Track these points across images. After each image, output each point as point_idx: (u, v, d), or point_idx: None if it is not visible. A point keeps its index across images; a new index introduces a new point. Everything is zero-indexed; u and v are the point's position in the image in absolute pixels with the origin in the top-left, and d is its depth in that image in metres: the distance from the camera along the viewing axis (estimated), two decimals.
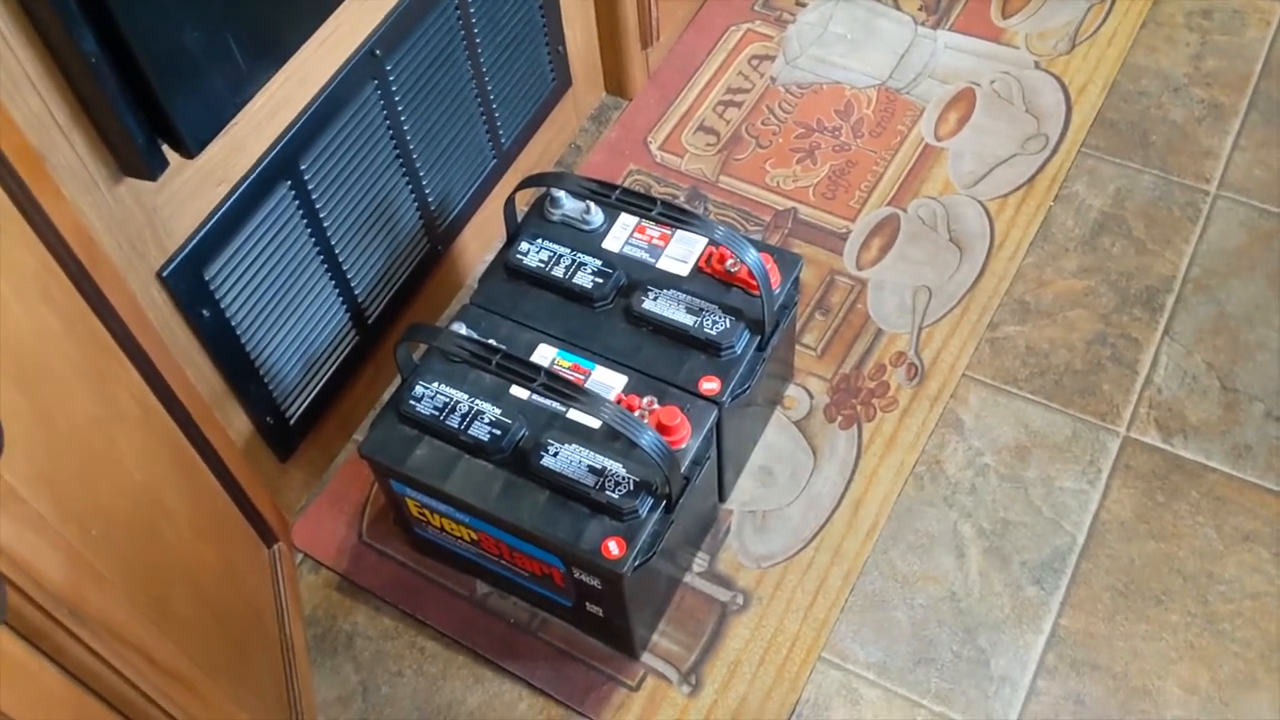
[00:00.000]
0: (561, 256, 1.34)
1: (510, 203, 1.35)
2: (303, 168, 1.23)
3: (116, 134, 0.98)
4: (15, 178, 0.85)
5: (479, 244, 1.61)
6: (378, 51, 1.27)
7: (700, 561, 1.39)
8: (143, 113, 0.98)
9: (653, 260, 1.34)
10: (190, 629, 0.98)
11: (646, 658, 1.33)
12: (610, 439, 1.20)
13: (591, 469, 1.18)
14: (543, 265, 1.33)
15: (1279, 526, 1.36)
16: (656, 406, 1.23)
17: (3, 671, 0.64)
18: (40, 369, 0.81)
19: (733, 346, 1.27)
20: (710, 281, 1.32)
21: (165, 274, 1.10)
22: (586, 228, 1.37)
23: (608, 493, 1.17)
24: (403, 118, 1.34)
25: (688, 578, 1.38)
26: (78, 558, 0.76)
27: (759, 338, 1.29)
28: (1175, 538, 1.37)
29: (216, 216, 1.14)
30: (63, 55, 0.92)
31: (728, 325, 1.27)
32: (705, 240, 1.33)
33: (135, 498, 0.92)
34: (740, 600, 1.36)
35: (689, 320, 1.28)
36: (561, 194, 1.36)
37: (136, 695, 0.81)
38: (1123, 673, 1.29)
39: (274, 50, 1.10)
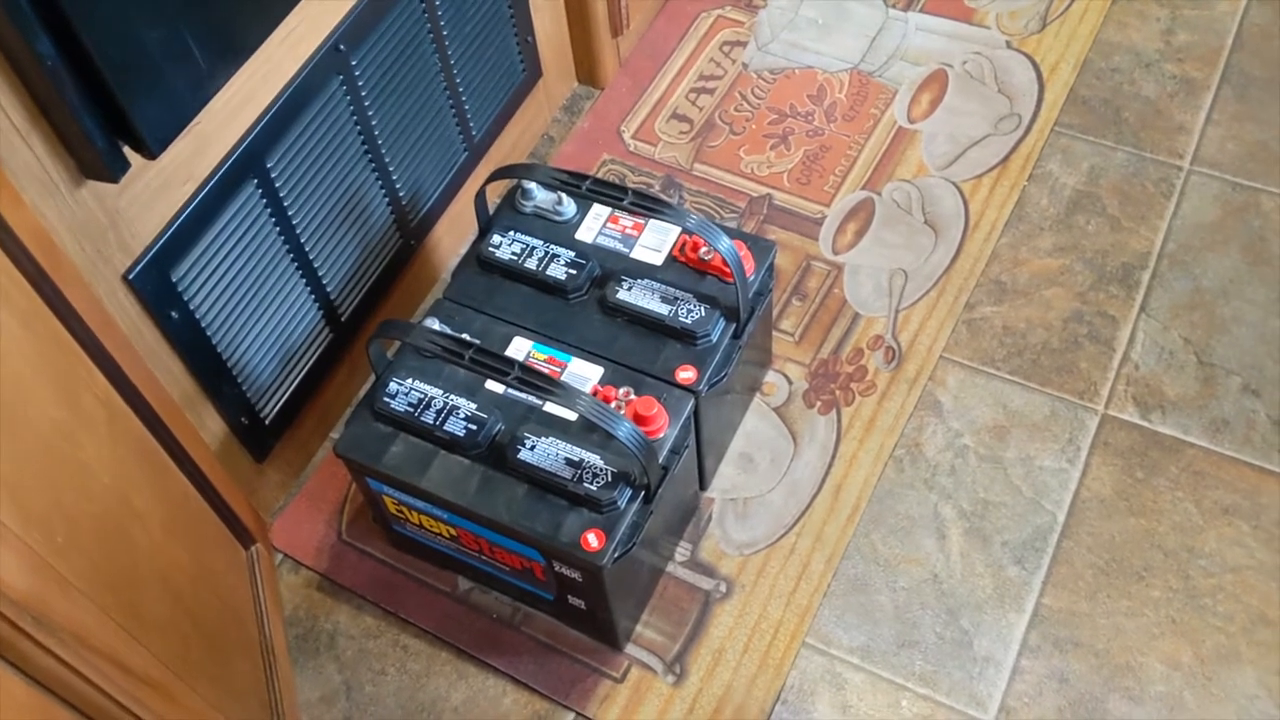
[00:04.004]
0: (534, 248, 1.33)
1: (481, 195, 1.34)
2: (269, 165, 1.21)
3: (76, 136, 0.96)
4: None
5: (452, 238, 1.60)
6: (342, 46, 1.25)
7: (682, 550, 1.38)
8: (102, 114, 0.96)
9: (626, 250, 1.33)
10: (165, 633, 0.97)
11: (630, 649, 1.32)
12: (587, 431, 1.20)
13: (569, 461, 1.17)
14: (515, 257, 1.32)
15: (1258, 500, 1.37)
16: (633, 397, 1.22)
17: None
18: (0, 375, 0.80)
19: (708, 335, 1.26)
20: (684, 270, 1.31)
21: (131, 276, 1.09)
22: (559, 219, 1.36)
23: (586, 485, 1.16)
24: (370, 112, 1.33)
25: (670, 567, 1.37)
26: (42, 564, 0.75)
27: (734, 325, 1.28)
28: (1155, 514, 1.37)
29: (182, 217, 1.13)
30: (17, 58, 0.90)
31: (703, 314, 1.27)
32: (678, 229, 1.33)
33: (104, 501, 0.92)
34: (723, 588, 1.35)
35: (664, 309, 1.27)
36: (533, 185, 1.35)
37: (108, 702, 0.80)
38: (1105, 650, 1.29)
39: (235, 48, 1.09)
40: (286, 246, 1.28)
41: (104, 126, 0.97)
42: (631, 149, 1.72)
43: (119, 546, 0.92)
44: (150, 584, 0.96)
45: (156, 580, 0.98)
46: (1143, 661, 1.28)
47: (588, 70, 1.78)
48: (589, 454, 1.18)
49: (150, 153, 1.01)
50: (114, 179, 1.01)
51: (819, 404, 1.47)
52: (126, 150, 1.01)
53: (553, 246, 1.33)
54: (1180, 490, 1.38)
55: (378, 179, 1.39)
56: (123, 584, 0.90)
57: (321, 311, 1.38)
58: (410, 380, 1.24)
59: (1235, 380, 1.45)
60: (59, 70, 0.92)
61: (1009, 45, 1.79)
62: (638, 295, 1.29)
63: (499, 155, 1.64)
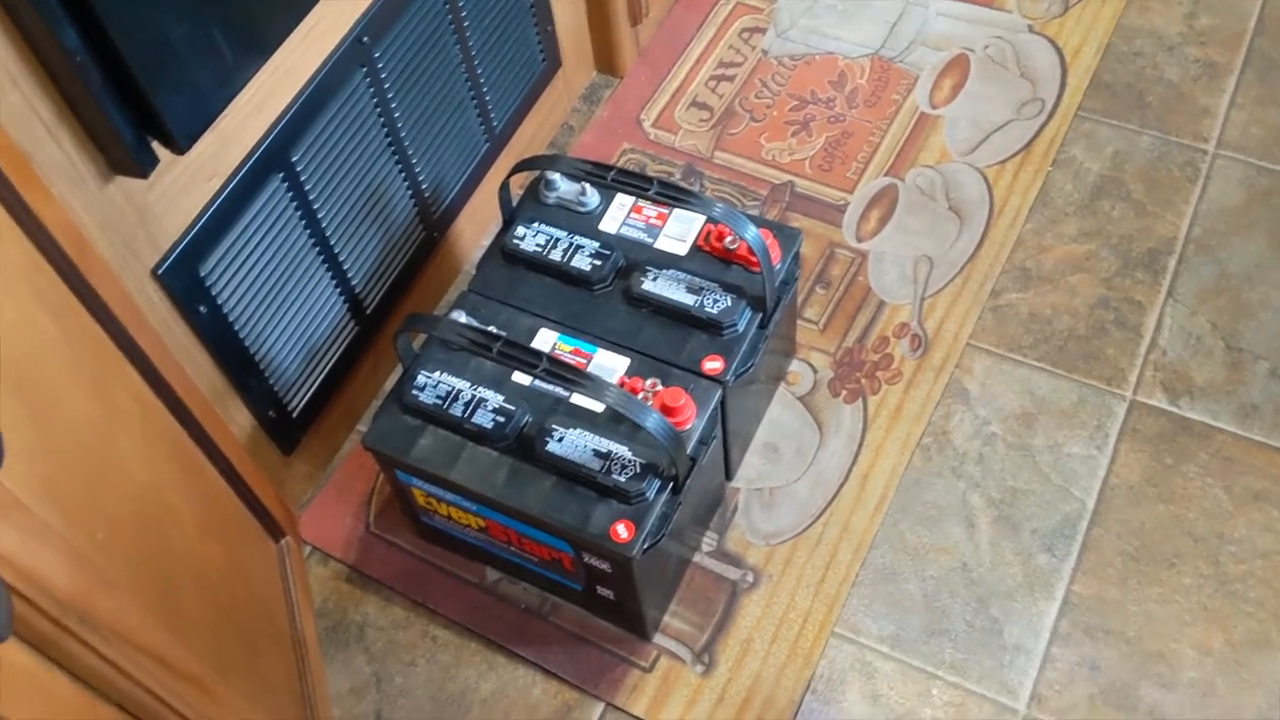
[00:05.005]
0: (558, 239, 1.32)
1: (505, 187, 1.34)
2: (294, 159, 1.21)
3: (104, 132, 0.97)
4: (1, 177, 0.84)
5: (474, 229, 1.60)
6: (365, 38, 1.25)
7: (709, 541, 1.38)
8: (130, 109, 0.96)
9: (650, 240, 1.33)
10: (201, 628, 0.97)
11: (659, 638, 1.32)
12: (614, 422, 1.19)
13: (597, 453, 1.17)
14: (540, 249, 1.32)
15: None
16: (660, 388, 1.22)
17: (12, 685, 0.64)
18: (36, 372, 0.80)
19: (735, 325, 1.26)
20: (709, 260, 1.31)
21: (160, 272, 1.09)
22: (583, 209, 1.35)
23: (614, 476, 1.16)
24: (393, 104, 1.33)
25: (697, 557, 1.37)
26: (85, 563, 0.75)
27: (761, 315, 1.28)
28: (1185, 500, 1.36)
29: (210, 212, 1.13)
30: (45, 53, 0.90)
31: (729, 303, 1.26)
32: (703, 218, 1.32)
33: (140, 499, 0.92)
34: (750, 578, 1.35)
35: (690, 300, 1.27)
36: (556, 176, 1.35)
37: (151, 699, 0.80)
38: (1136, 637, 1.28)
39: (260, 41, 1.08)
40: (312, 240, 1.28)
41: (132, 122, 0.97)
42: (651, 137, 1.72)
43: (156, 543, 0.92)
44: (186, 579, 0.97)
45: (192, 575, 0.98)
46: (1174, 648, 1.27)
47: (606, 59, 1.77)
48: (617, 445, 1.18)
49: (179, 148, 1.01)
50: (143, 174, 1.01)
51: (844, 393, 1.47)
52: (155, 145, 1.01)
53: (577, 237, 1.32)
54: (1210, 476, 1.37)
55: (401, 171, 1.39)
56: (160, 580, 0.90)
57: (347, 304, 1.37)
58: (438, 373, 1.24)
59: (1263, 365, 1.45)
60: (87, 65, 0.91)
61: (1031, 29, 1.77)
62: (663, 285, 1.28)
63: (519, 146, 1.64)
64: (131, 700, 0.78)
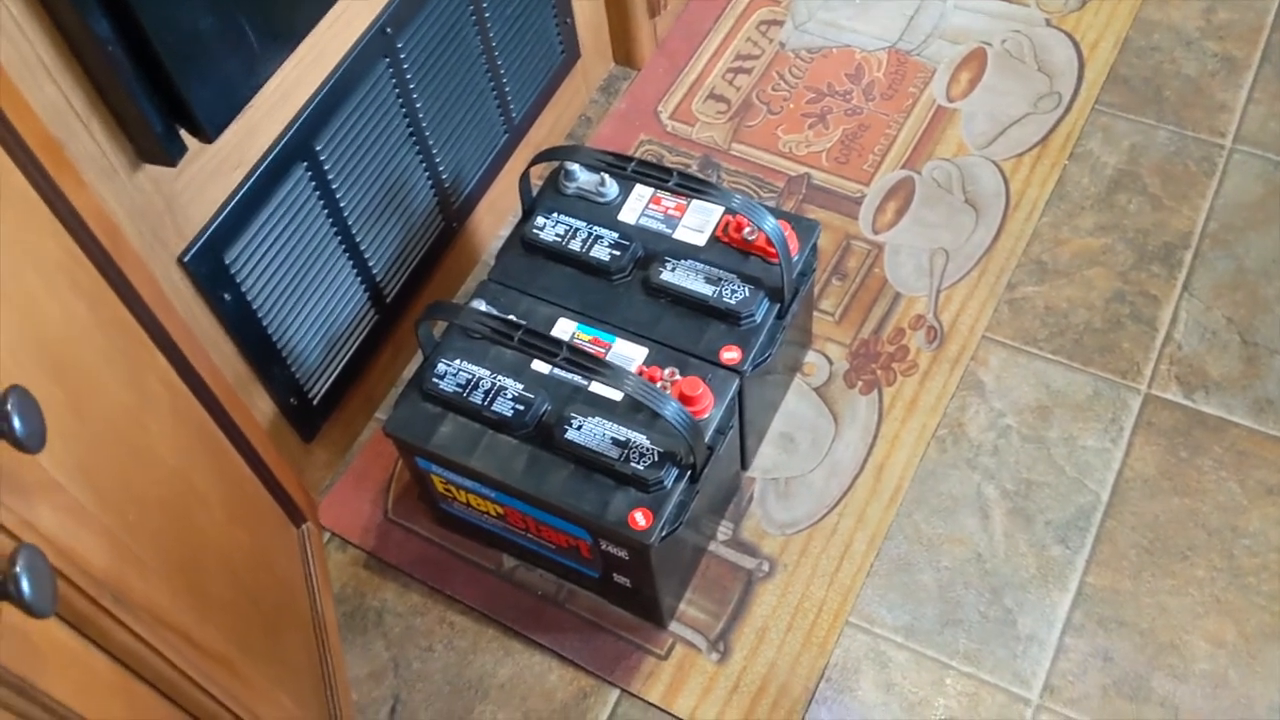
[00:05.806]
0: (578, 230, 1.34)
1: (525, 177, 1.35)
2: (318, 148, 1.22)
3: (134, 120, 0.98)
4: (37, 166, 0.85)
5: (493, 219, 1.61)
6: (389, 29, 1.26)
7: (725, 530, 1.39)
8: (160, 98, 0.98)
9: (669, 231, 1.34)
10: (227, 611, 0.98)
11: (674, 626, 1.33)
12: (633, 411, 1.21)
13: (615, 441, 1.18)
14: (559, 239, 1.33)
15: None
16: (678, 377, 1.23)
17: (54, 661, 0.65)
18: (72, 357, 0.81)
19: (752, 315, 1.27)
20: (728, 250, 1.31)
21: (186, 259, 1.11)
22: (602, 200, 1.36)
23: (632, 464, 1.17)
24: (415, 95, 1.34)
25: (713, 546, 1.38)
26: (119, 544, 0.76)
27: (779, 305, 1.28)
28: (1199, 493, 1.37)
29: (235, 200, 1.14)
30: (78, 42, 0.91)
31: (747, 294, 1.27)
32: (722, 209, 1.33)
33: (169, 483, 0.93)
34: (766, 567, 1.36)
35: (708, 290, 1.28)
36: (576, 167, 1.36)
37: (181, 679, 0.82)
38: (1150, 629, 1.29)
39: (288, 31, 1.10)
40: (334, 229, 1.29)
41: (161, 111, 0.99)
42: (669, 129, 1.72)
43: (184, 526, 0.93)
44: (213, 563, 0.98)
45: (218, 559, 1.00)
46: (1187, 640, 1.28)
47: (625, 51, 1.78)
48: (635, 434, 1.19)
49: (207, 136, 1.02)
50: (172, 163, 1.02)
51: (860, 384, 1.48)
52: (183, 134, 1.02)
53: (596, 228, 1.33)
54: (1224, 470, 1.38)
55: (422, 161, 1.40)
56: (189, 563, 0.92)
57: (367, 293, 1.39)
58: (458, 361, 1.25)
59: (1279, 359, 1.45)
60: (118, 54, 0.93)
61: (1048, 23, 1.78)
62: (681, 276, 1.29)
63: (538, 137, 1.65)
64: (163, 679, 0.79)
